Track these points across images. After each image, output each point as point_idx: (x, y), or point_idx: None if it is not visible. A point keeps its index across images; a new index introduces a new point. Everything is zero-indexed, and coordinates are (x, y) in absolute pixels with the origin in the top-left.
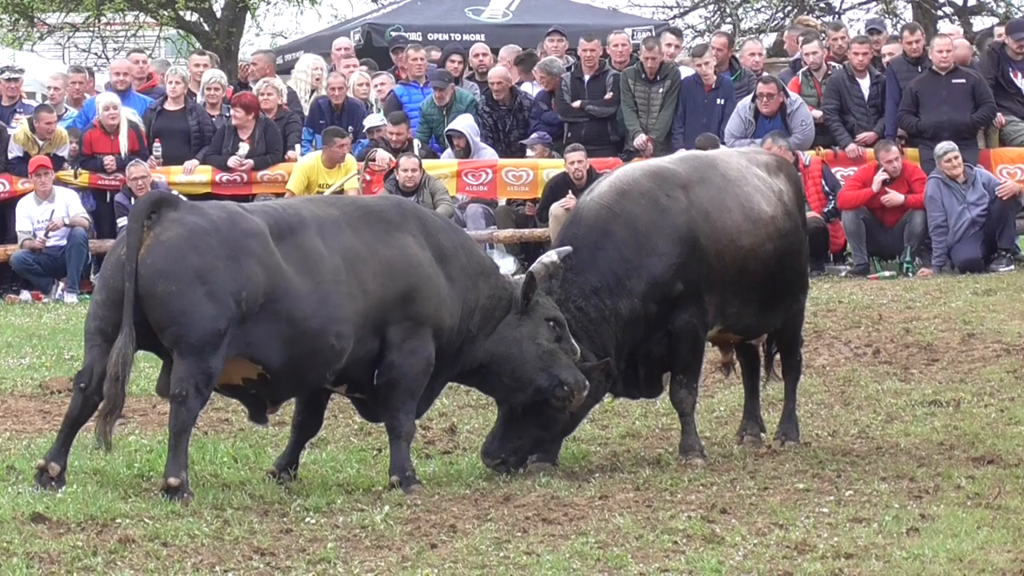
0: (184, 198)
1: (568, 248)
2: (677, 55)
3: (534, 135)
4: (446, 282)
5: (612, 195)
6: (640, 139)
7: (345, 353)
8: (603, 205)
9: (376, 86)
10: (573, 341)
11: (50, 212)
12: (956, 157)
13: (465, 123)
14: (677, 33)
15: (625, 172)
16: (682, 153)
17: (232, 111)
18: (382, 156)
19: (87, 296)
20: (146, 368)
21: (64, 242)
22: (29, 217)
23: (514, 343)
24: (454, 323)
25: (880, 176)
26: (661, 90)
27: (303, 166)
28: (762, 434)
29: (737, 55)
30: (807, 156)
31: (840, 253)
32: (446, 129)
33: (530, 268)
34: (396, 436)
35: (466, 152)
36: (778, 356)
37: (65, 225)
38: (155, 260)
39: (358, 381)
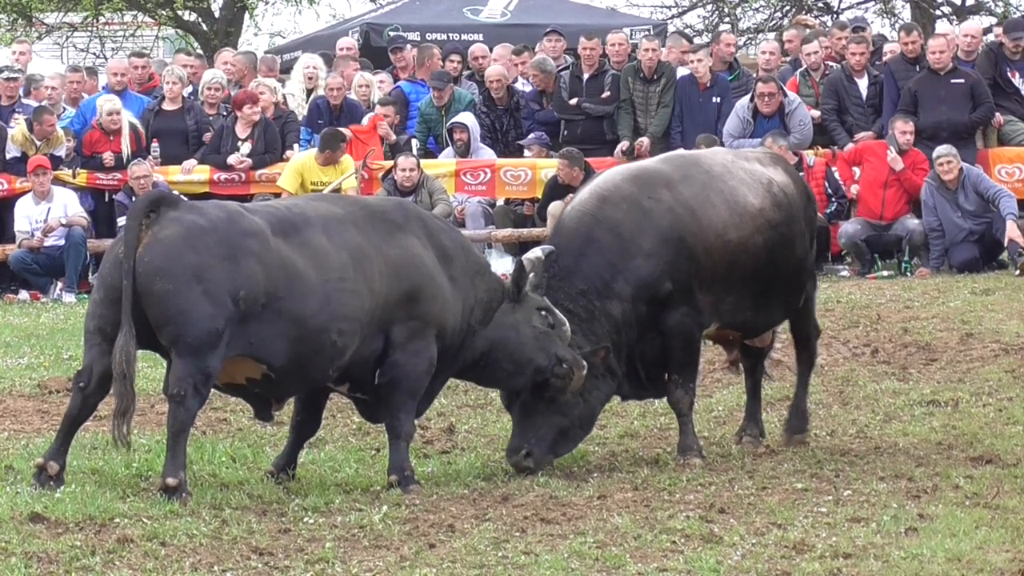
0: (184, 197)
1: (551, 247)
2: (683, 57)
3: (531, 136)
4: (448, 283)
5: (593, 202)
6: (623, 145)
7: (348, 350)
8: (585, 212)
9: (380, 83)
10: (565, 320)
11: (47, 212)
12: (950, 162)
13: (470, 119)
14: (687, 38)
15: (606, 178)
16: (666, 154)
17: (241, 112)
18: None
19: (85, 296)
20: (145, 368)
21: (62, 242)
22: (27, 217)
23: (511, 327)
24: (456, 323)
25: (894, 155)
26: (658, 89)
27: (296, 164)
28: (761, 437)
29: (737, 56)
30: (811, 157)
31: (840, 254)
32: (450, 122)
33: (519, 258)
34: (396, 436)
35: (466, 148)
36: (773, 353)
37: (62, 225)
38: (153, 258)
39: (360, 380)
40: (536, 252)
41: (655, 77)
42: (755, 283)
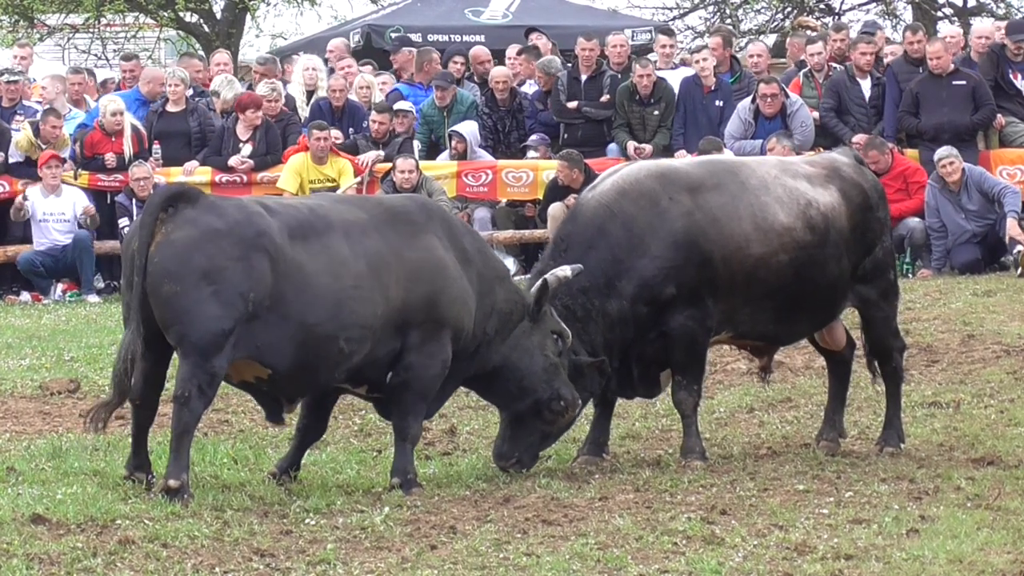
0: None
1: (580, 267)
2: (674, 55)
3: (535, 136)
4: (468, 285)
5: (612, 194)
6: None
7: (356, 355)
8: (602, 204)
9: (379, 85)
10: (570, 334)
11: (55, 206)
12: (952, 163)
13: (469, 129)
14: (668, 32)
15: (630, 171)
16: (706, 158)
17: (243, 115)
18: (366, 156)
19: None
20: None
21: (67, 241)
22: (40, 209)
23: (527, 352)
24: (471, 326)
25: None
26: (656, 112)
27: (294, 165)
28: (841, 438)
29: (738, 56)
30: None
31: None
32: (449, 129)
33: (544, 277)
34: (402, 438)
35: (462, 157)
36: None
37: (84, 216)
38: (163, 259)
39: (378, 382)
40: (565, 271)
41: (651, 100)
42: (778, 298)
